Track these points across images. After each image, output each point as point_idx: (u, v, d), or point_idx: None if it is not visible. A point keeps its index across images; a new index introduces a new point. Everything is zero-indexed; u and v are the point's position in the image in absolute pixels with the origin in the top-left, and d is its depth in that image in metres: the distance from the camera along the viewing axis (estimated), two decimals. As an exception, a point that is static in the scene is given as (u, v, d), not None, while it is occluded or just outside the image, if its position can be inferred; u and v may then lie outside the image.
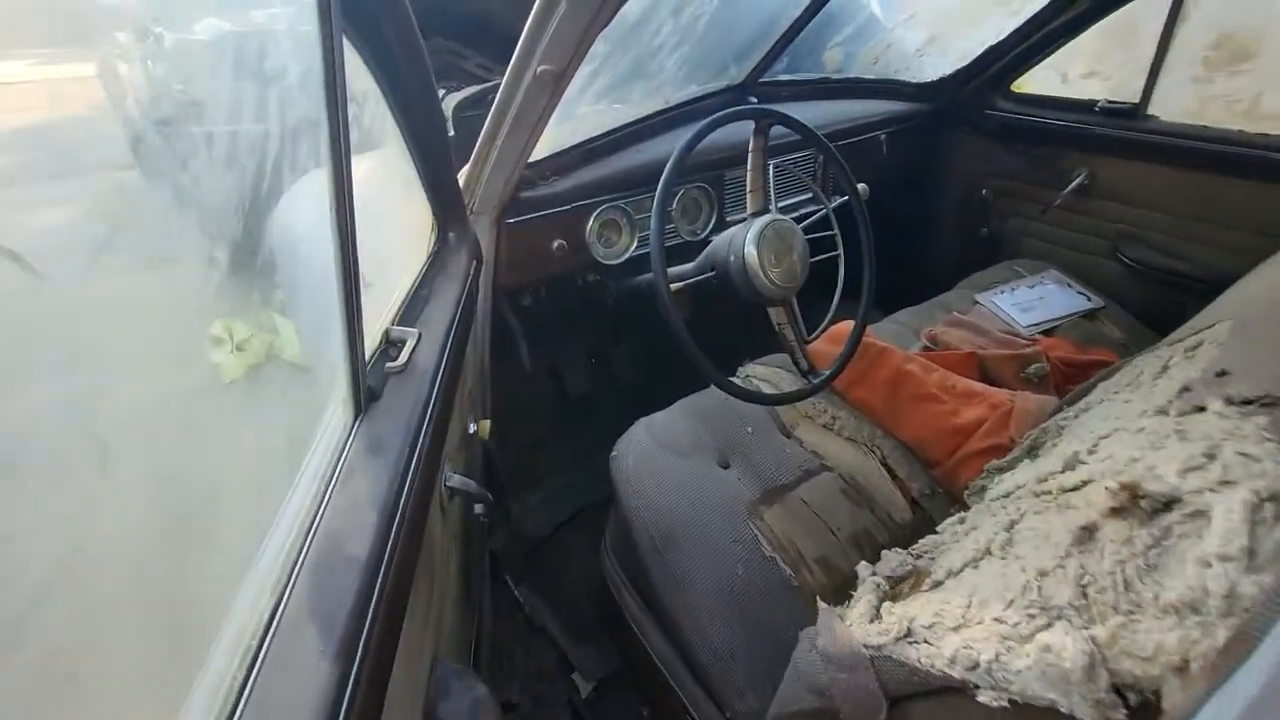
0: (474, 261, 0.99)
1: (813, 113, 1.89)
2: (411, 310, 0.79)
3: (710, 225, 1.66)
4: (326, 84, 0.49)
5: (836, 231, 1.33)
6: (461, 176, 1.27)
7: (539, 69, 0.92)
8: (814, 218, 1.31)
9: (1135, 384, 0.94)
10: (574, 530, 1.81)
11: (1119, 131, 1.88)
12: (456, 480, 0.77)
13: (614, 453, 1.33)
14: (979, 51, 2.01)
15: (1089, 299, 1.89)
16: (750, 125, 1.23)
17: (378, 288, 0.76)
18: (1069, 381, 1.53)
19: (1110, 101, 1.89)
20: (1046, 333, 1.78)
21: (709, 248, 1.29)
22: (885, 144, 2.00)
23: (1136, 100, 1.84)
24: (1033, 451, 1.10)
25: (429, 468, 0.64)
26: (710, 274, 1.24)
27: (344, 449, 0.57)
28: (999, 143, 2.15)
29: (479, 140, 1.12)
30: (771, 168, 1.25)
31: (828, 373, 1.30)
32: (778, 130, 1.26)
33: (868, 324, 1.36)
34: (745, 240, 1.17)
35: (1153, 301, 1.95)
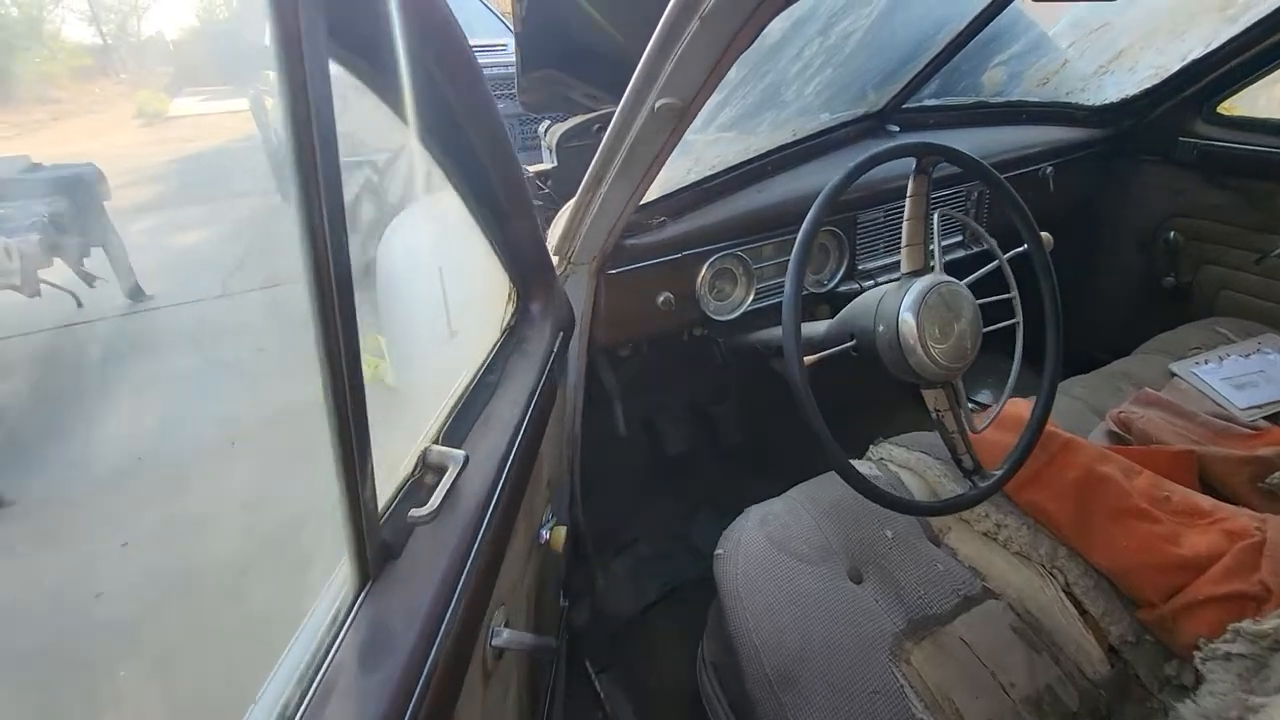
0: (560, 335, 0.82)
1: (964, 142, 1.59)
2: (466, 415, 0.61)
3: (839, 275, 1.42)
4: (293, 127, 0.32)
5: (1015, 294, 1.06)
6: (560, 222, 1.11)
7: (659, 103, 0.74)
8: (980, 272, 1.05)
9: None
10: (665, 614, 1.60)
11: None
12: (506, 636, 0.58)
13: (719, 549, 1.12)
14: (1177, 66, 1.65)
15: (1328, 374, 1.47)
16: (908, 164, 0.99)
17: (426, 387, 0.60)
18: (1325, 494, 1.16)
19: (1366, 127, 1.49)
20: (1271, 418, 1.40)
21: (848, 311, 1.05)
22: (1052, 178, 1.68)
23: None
24: (1319, 622, 0.78)
25: (463, 641, 0.46)
26: (849, 344, 1.01)
27: (338, 637, 0.40)
28: (1196, 175, 1.77)
29: (583, 182, 0.96)
30: (937, 217, 1.00)
31: (999, 473, 1.02)
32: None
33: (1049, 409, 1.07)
34: (901, 307, 0.93)
35: None
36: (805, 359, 0.93)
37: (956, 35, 1.33)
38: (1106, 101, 1.77)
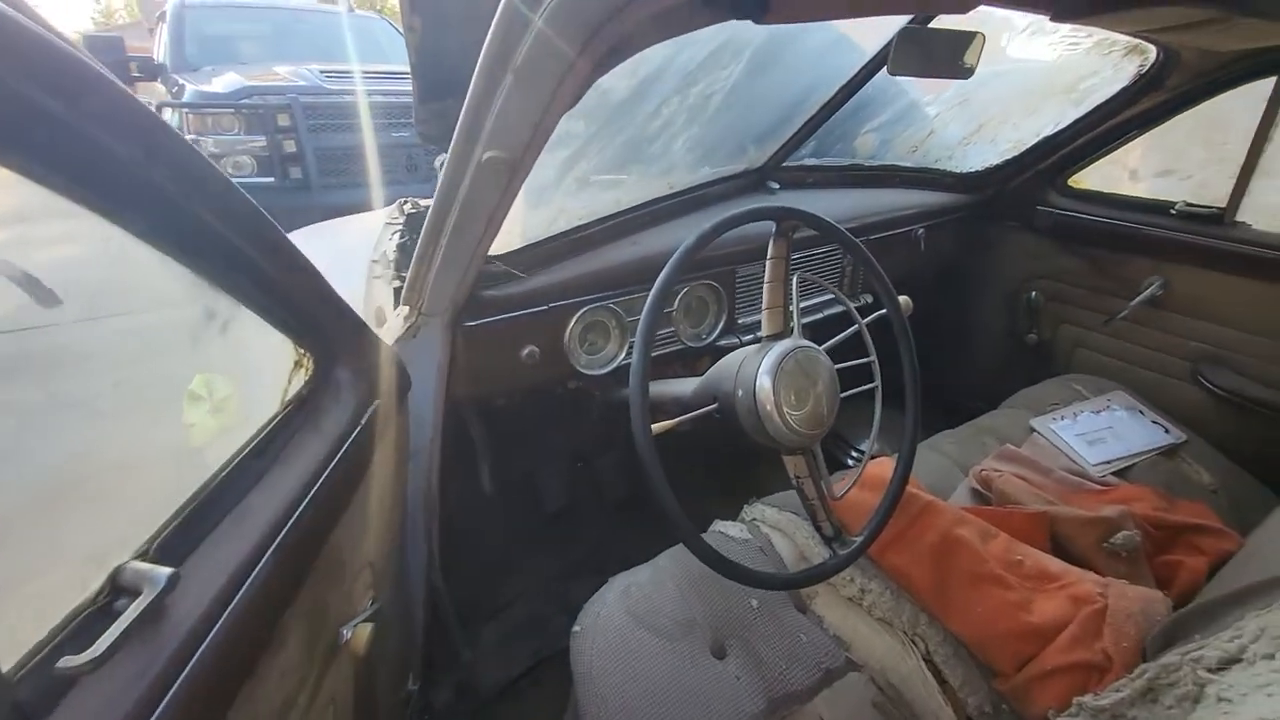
0: (378, 402, 0.73)
1: (843, 202, 1.66)
2: (205, 515, 0.50)
3: (718, 329, 1.40)
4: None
5: (874, 358, 1.06)
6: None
7: (485, 155, 0.68)
8: (840, 336, 1.04)
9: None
10: (536, 684, 1.48)
11: (1201, 239, 1.62)
12: None
13: (577, 626, 1.03)
14: (1032, 141, 1.78)
15: (1167, 430, 1.58)
16: (770, 225, 0.98)
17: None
18: (1161, 551, 1.22)
19: (1190, 204, 1.64)
20: (1120, 473, 1.47)
21: (712, 372, 1.02)
22: (923, 239, 1.76)
23: (1223, 205, 1.59)
24: (1151, 695, 0.78)
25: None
26: (712, 406, 0.97)
27: None
28: (1053, 241, 1.90)
29: (423, 230, 0.88)
30: (795, 280, 0.99)
31: (859, 540, 1.00)
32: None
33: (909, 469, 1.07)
34: (758, 372, 0.90)
35: (1244, 437, 1.64)
36: (666, 422, 0.88)
37: (830, 98, 1.37)
38: (972, 170, 1.89)
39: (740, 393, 0.92)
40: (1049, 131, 1.75)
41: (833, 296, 1.60)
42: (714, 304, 1.40)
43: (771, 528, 1.21)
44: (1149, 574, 1.15)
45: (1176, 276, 1.69)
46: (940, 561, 1.07)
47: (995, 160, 1.88)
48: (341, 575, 0.75)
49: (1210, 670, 0.74)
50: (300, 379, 0.65)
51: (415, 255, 0.93)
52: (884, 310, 1.09)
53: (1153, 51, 1.46)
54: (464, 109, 0.65)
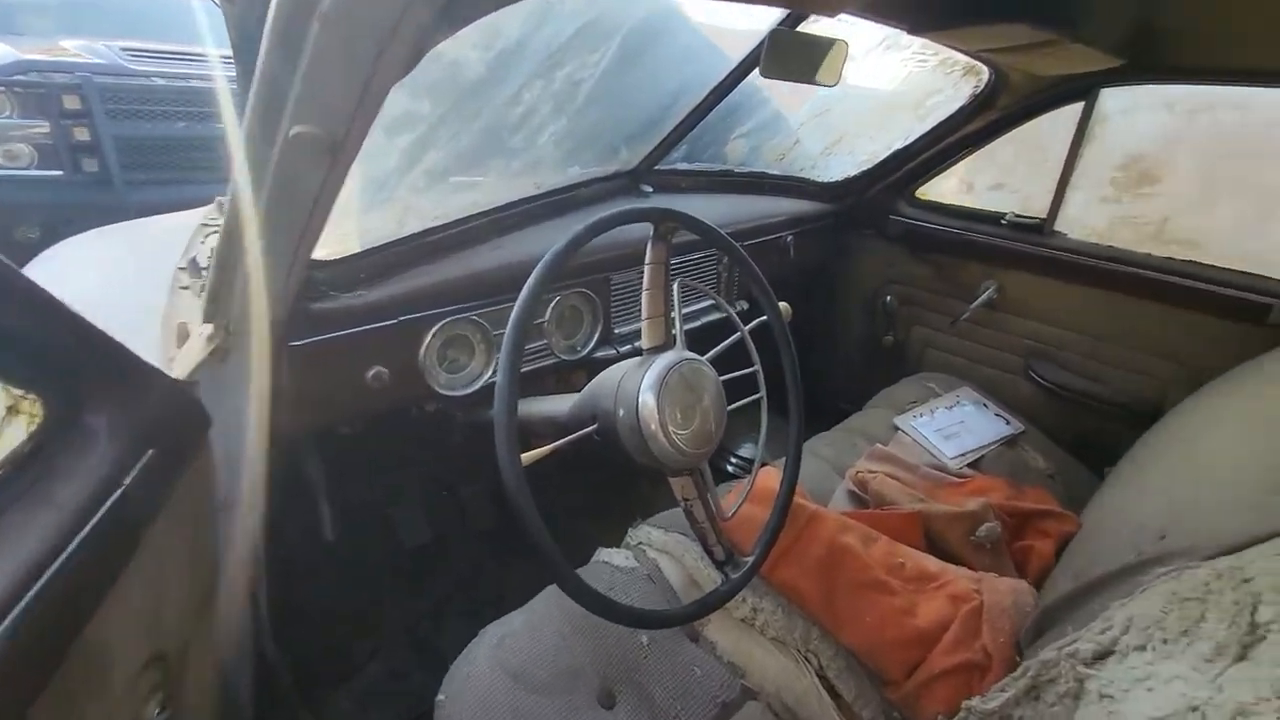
0: (153, 451, 0.55)
1: (716, 208, 1.64)
2: None
3: (594, 340, 1.31)
4: None
5: (758, 368, 1.02)
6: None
7: (293, 130, 0.53)
8: (722, 345, 0.99)
9: (1191, 629, 0.65)
10: (402, 755, 1.29)
11: (1027, 246, 1.78)
12: None
13: (441, 694, 0.89)
14: (885, 154, 1.88)
15: (1008, 422, 1.72)
16: (647, 228, 0.90)
17: None
18: (1015, 538, 1.29)
19: (1018, 215, 1.80)
20: (973, 464, 1.57)
21: (590, 389, 0.92)
22: (792, 245, 1.78)
23: (1044, 216, 1.75)
24: (1033, 693, 0.79)
25: None
26: (591, 427, 0.87)
27: None
28: (904, 248, 2.02)
29: (220, 230, 0.70)
30: (677, 286, 0.92)
31: (750, 560, 0.95)
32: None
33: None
34: (641, 388, 0.82)
35: (1070, 426, 1.82)
36: (537, 451, 0.76)
37: (701, 102, 1.33)
38: (833, 179, 1.96)
39: (622, 412, 0.83)
40: (899, 145, 1.85)
41: (710, 303, 1.57)
42: (589, 314, 1.30)
43: (659, 551, 1.13)
44: (1010, 562, 1.21)
45: (1008, 281, 1.84)
46: (828, 572, 1.04)
47: (854, 171, 1.97)
48: (106, 682, 0.56)
49: (1086, 664, 0.75)
50: (17, 432, 0.47)
51: (214, 260, 0.74)
52: (764, 317, 1.05)
53: (986, 73, 1.58)
54: (258, 70, 0.50)
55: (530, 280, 0.77)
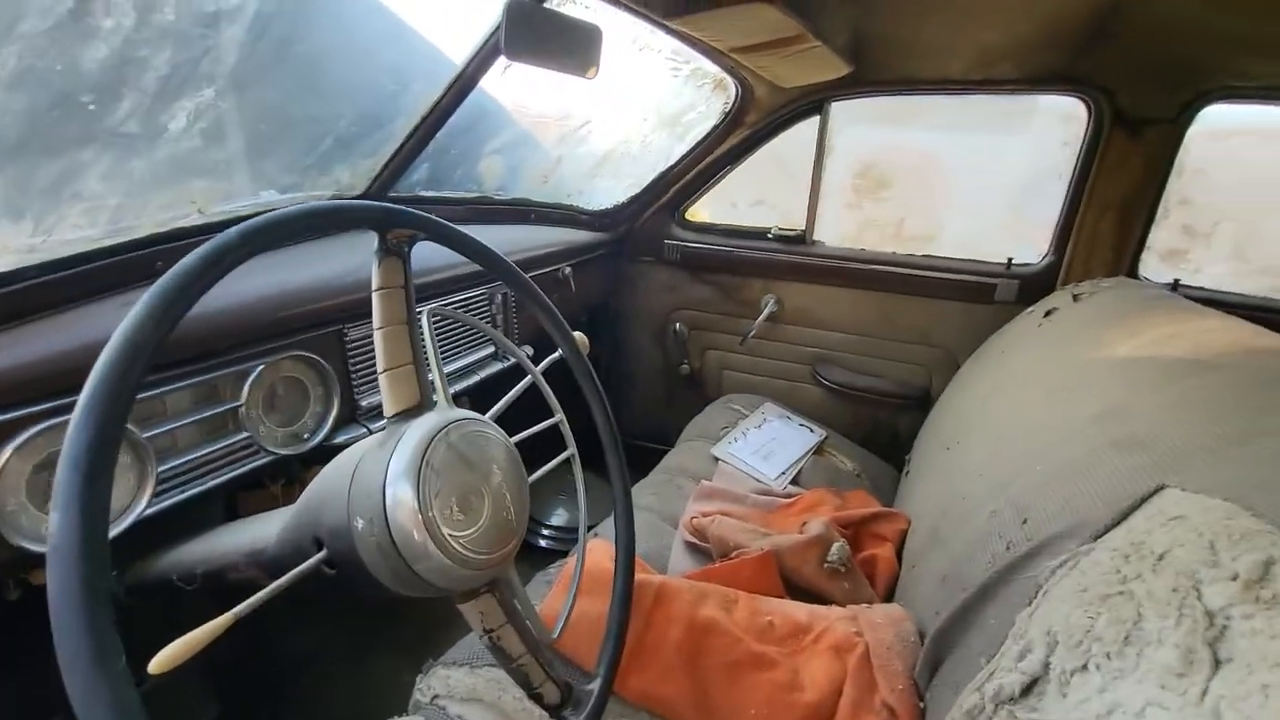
0: None
1: (479, 239, 1.38)
2: None
3: (328, 423, 0.94)
4: None
5: (562, 416, 0.77)
6: None
7: None
8: (510, 396, 0.72)
9: (1134, 634, 0.53)
10: None
11: (794, 257, 1.83)
12: None
13: None
14: (651, 177, 1.80)
15: (812, 430, 1.70)
16: (370, 242, 0.61)
17: None
18: (858, 549, 1.20)
19: (781, 229, 1.83)
20: (795, 479, 1.50)
21: (304, 502, 0.59)
22: (572, 278, 1.59)
23: (803, 228, 1.81)
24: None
25: None
26: (317, 558, 0.53)
27: None
28: (684, 273, 1.96)
29: None
30: (427, 319, 0.64)
31: (597, 684, 0.67)
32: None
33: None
34: (387, 479, 0.51)
35: (859, 422, 1.88)
36: (177, 646, 0.41)
37: (439, 100, 1.07)
38: (603, 207, 1.83)
39: (361, 523, 0.52)
40: (662, 167, 1.79)
41: (483, 354, 1.29)
42: (317, 385, 0.94)
43: (465, 699, 0.79)
44: (864, 581, 1.10)
45: (784, 293, 1.87)
46: (693, 662, 0.81)
47: (622, 197, 1.86)
48: None
49: (1014, 700, 0.62)
50: None
51: None
52: (558, 354, 0.81)
53: (734, 88, 1.57)
54: None
55: (105, 355, 0.40)
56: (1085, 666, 0.56)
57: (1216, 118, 1.41)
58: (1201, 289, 1.53)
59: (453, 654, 0.85)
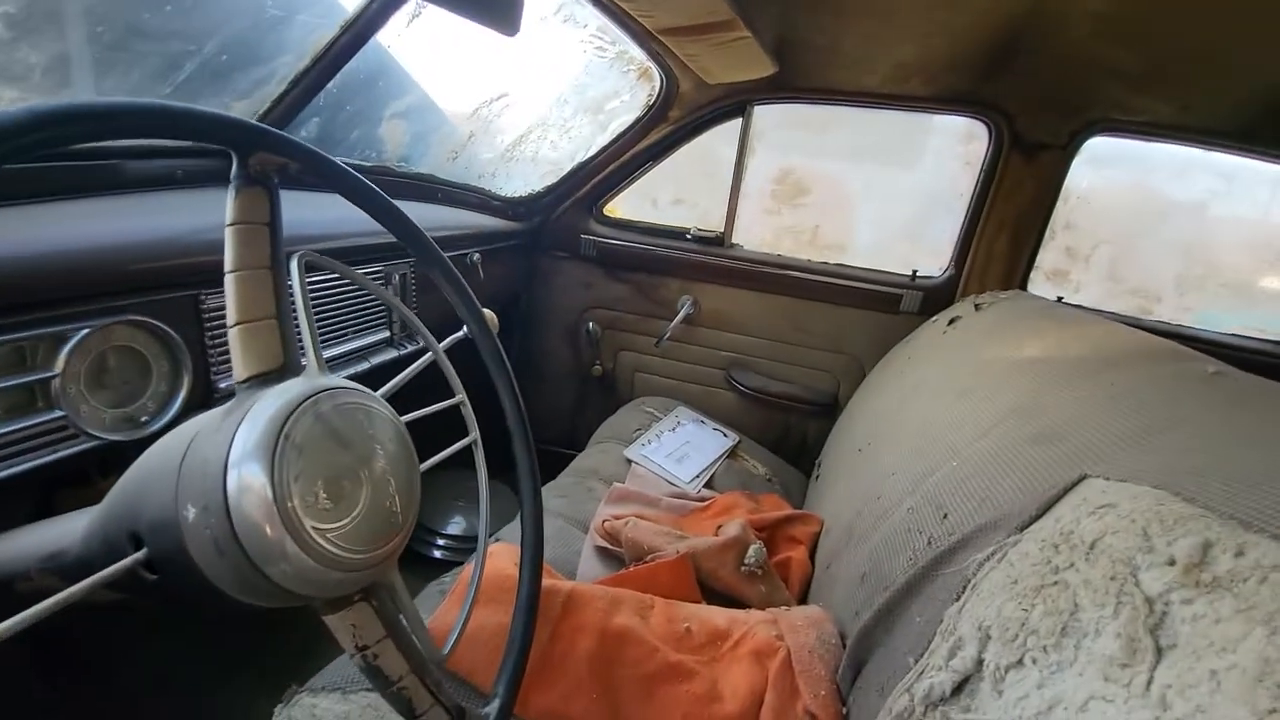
0: None
1: (374, 213, 1.24)
2: None
3: (176, 404, 0.79)
4: None
5: (463, 396, 0.67)
6: None
7: None
8: (406, 374, 0.62)
9: (1070, 625, 0.51)
10: None
11: (712, 259, 1.80)
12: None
13: None
14: (569, 167, 1.72)
15: (725, 434, 1.68)
16: (228, 169, 0.49)
17: None
18: (773, 552, 1.17)
19: (700, 230, 1.81)
20: (708, 483, 1.47)
21: (119, 490, 0.46)
22: (480, 265, 1.48)
23: (722, 230, 1.79)
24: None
25: None
26: (134, 558, 0.41)
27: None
28: (600, 270, 1.89)
29: None
30: (298, 264, 0.52)
31: (495, 707, 0.58)
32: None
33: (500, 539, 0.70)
34: (230, 457, 0.40)
35: (771, 427, 1.88)
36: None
37: (326, 50, 0.94)
38: (518, 195, 1.73)
39: (193, 513, 0.40)
40: (582, 157, 1.72)
41: (376, 338, 1.15)
42: (161, 359, 0.78)
43: (334, 730, 0.67)
44: (780, 583, 1.07)
45: (702, 295, 1.84)
46: (605, 674, 0.73)
47: (538, 186, 1.77)
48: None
49: (946, 700, 0.58)
50: None
51: None
52: (462, 332, 0.72)
53: (659, 79, 1.53)
54: None
55: None
56: (1021, 661, 0.53)
57: (1101, 148, 1.52)
58: (1080, 307, 1.65)
59: (323, 677, 0.72)
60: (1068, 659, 0.50)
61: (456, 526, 1.69)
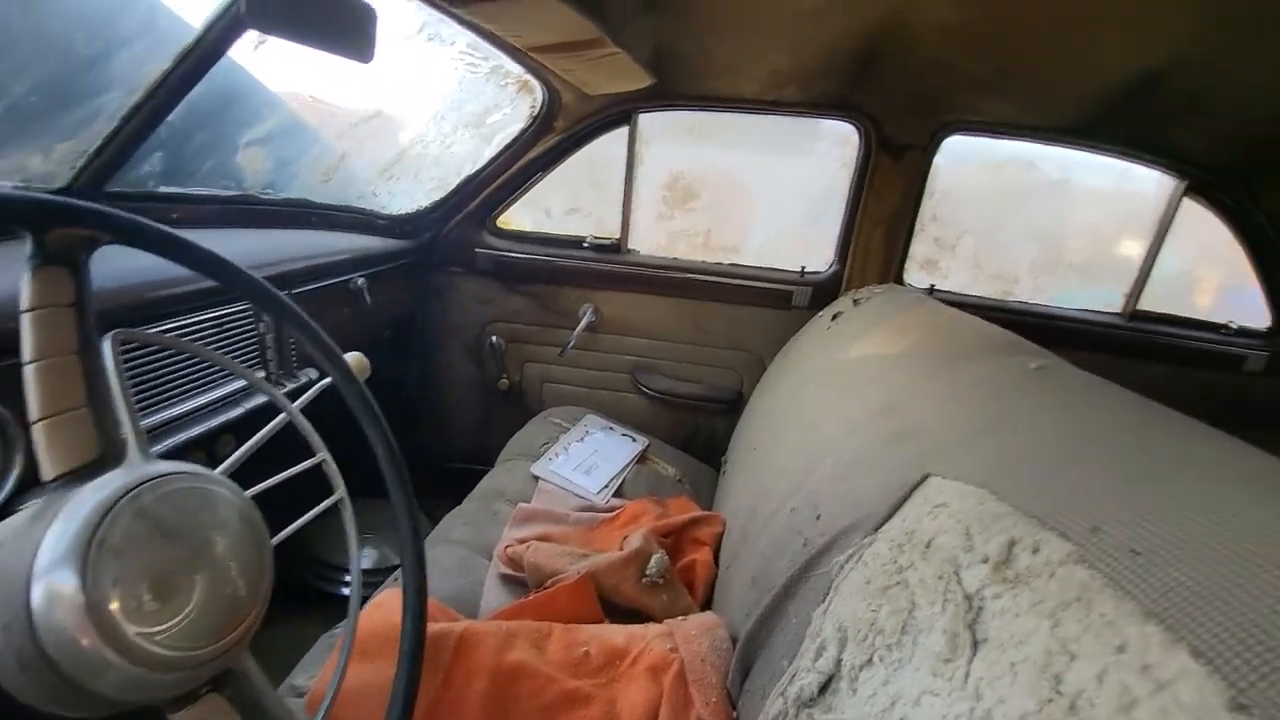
0: None
1: (238, 245, 1.17)
2: None
3: (6, 488, 0.72)
4: None
5: (325, 455, 0.65)
6: None
7: None
8: (256, 439, 0.59)
9: (909, 623, 0.56)
10: None
11: (610, 266, 1.82)
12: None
13: None
14: (457, 181, 1.69)
15: (634, 439, 1.70)
16: (23, 250, 0.45)
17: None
18: (678, 557, 1.21)
19: (596, 238, 1.82)
20: (618, 491, 1.49)
21: None
22: (366, 290, 1.43)
23: (618, 237, 1.81)
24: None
25: None
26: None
27: None
28: (498, 283, 1.86)
29: None
30: (110, 347, 0.49)
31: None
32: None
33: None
34: (34, 570, 0.37)
35: (680, 427, 1.92)
36: None
37: (161, 82, 0.88)
38: (404, 212, 1.68)
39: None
40: (470, 171, 1.69)
41: (232, 387, 1.08)
42: (-11, 435, 0.71)
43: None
44: (683, 590, 1.10)
45: (602, 301, 1.85)
46: (500, 713, 0.73)
47: (425, 202, 1.72)
48: None
49: (813, 701, 0.63)
50: None
51: None
52: (326, 380, 0.69)
53: (540, 92, 1.52)
54: None
55: None
56: (870, 660, 0.58)
57: (958, 146, 1.65)
58: (950, 293, 1.79)
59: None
60: (907, 656, 0.55)
61: (368, 559, 1.63)
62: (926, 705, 0.50)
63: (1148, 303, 1.79)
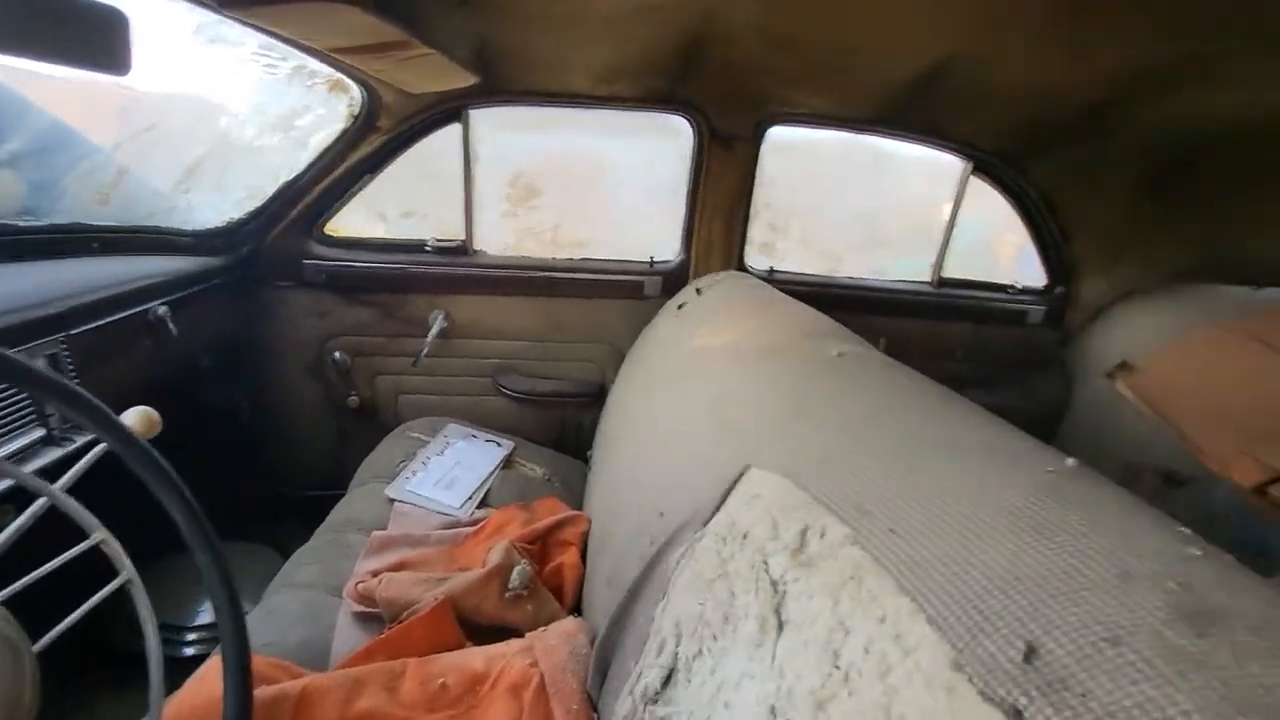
0: None
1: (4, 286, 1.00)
2: None
3: None
4: None
5: (103, 535, 0.57)
6: None
7: None
8: (15, 526, 0.51)
9: (730, 612, 0.61)
10: None
11: (457, 269, 1.76)
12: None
13: None
14: (274, 189, 1.54)
15: (499, 444, 1.68)
16: None
17: None
18: (545, 562, 1.21)
19: (439, 240, 1.75)
20: (484, 501, 1.46)
21: None
22: (169, 319, 1.27)
23: (464, 238, 1.75)
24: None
25: None
26: None
27: None
28: (335, 295, 1.74)
29: None
30: None
31: None
32: None
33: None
34: None
35: (549, 426, 1.92)
36: None
37: None
38: (210, 226, 1.51)
39: None
40: (287, 177, 1.55)
41: (27, 439, 0.95)
42: None
43: None
44: (549, 596, 1.11)
45: (452, 306, 1.79)
46: (351, 765, 0.70)
47: (237, 213, 1.56)
48: None
49: (656, 697, 0.66)
50: None
51: None
52: (101, 447, 0.61)
53: (357, 92, 1.42)
54: None
55: None
56: (700, 651, 0.62)
57: (781, 136, 1.75)
58: (788, 273, 1.91)
59: None
60: (729, 644, 0.59)
61: (208, 614, 1.48)
62: (745, 687, 0.54)
63: (953, 270, 2.02)
